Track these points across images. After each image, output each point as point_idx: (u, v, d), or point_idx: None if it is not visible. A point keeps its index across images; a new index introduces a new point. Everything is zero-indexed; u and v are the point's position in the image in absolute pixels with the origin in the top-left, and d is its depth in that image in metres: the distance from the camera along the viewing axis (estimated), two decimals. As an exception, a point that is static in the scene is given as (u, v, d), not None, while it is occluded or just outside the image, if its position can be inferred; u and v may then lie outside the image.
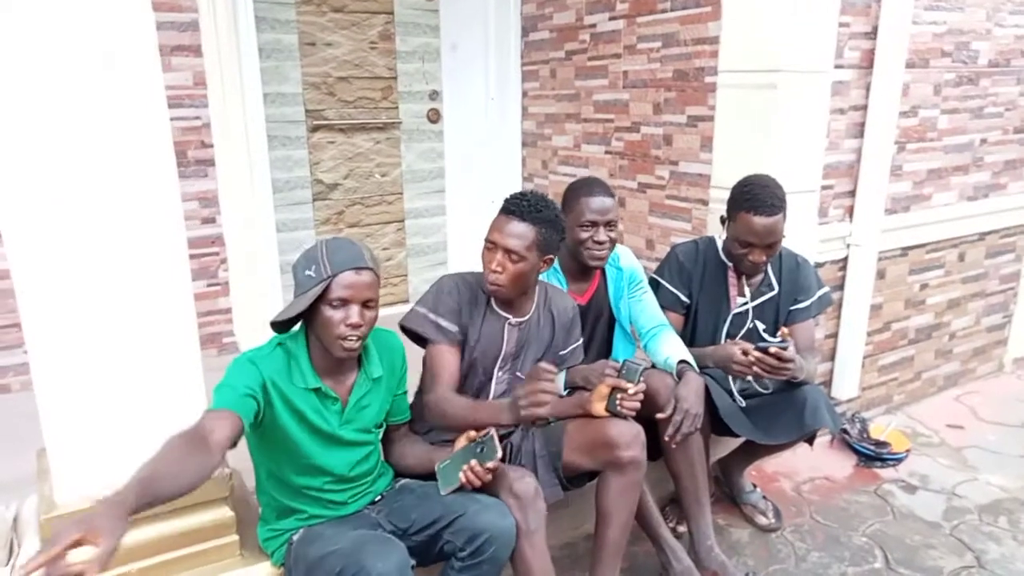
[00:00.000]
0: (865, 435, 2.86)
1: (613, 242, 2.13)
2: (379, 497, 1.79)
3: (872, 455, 2.79)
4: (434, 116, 3.83)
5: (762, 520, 2.44)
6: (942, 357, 3.34)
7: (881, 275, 2.92)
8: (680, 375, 2.06)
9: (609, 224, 2.09)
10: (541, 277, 2.09)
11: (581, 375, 2.02)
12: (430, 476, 1.74)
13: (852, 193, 2.77)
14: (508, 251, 1.79)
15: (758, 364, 2.05)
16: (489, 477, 1.62)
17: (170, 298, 1.64)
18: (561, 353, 2.06)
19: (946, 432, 3.07)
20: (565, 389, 2.10)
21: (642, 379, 1.83)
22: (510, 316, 1.94)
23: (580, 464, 1.95)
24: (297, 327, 1.64)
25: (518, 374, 1.98)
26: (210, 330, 3.23)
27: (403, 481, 1.84)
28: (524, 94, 3.73)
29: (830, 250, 2.76)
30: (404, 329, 1.91)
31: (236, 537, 1.78)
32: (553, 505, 1.93)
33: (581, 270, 2.18)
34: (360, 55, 3.56)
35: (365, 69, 3.59)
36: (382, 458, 1.84)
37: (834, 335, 2.89)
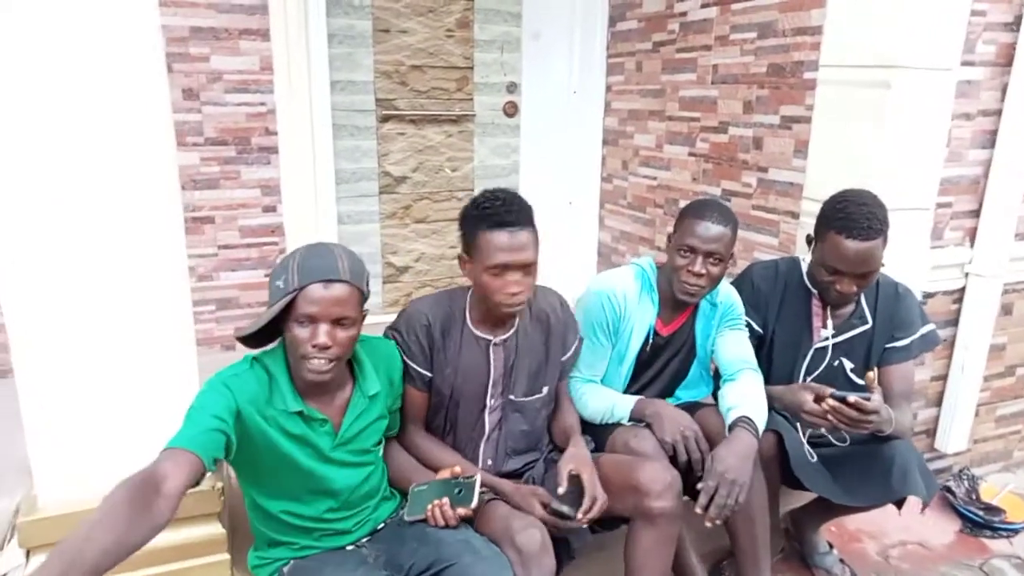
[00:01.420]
0: (974, 496, 2.45)
1: (714, 280, 1.83)
2: (381, 525, 1.62)
3: (981, 522, 2.38)
4: (511, 109, 3.62)
5: (836, 588, 2.11)
6: (1080, 410, 2.84)
7: (1007, 311, 2.48)
8: (731, 431, 1.76)
9: (712, 256, 1.79)
10: (626, 294, 1.91)
11: (655, 415, 1.83)
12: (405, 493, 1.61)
13: (975, 213, 2.36)
14: (526, 266, 1.56)
15: (834, 414, 1.73)
16: (455, 523, 1.46)
17: (160, 300, 1.53)
18: (563, 360, 1.82)
19: (1078, 501, 2.59)
20: (629, 420, 1.87)
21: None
22: (492, 335, 1.70)
23: (608, 506, 1.71)
24: (276, 342, 1.47)
25: (512, 397, 1.75)
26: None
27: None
28: (608, 88, 3.47)
29: (944, 279, 2.36)
30: None
31: (227, 556, 1.65)
32: (582, 549, 1.71)
33: (675, 297, 1.89)
34: (436, 43, 3.40)
35: (440, 58, 3.43)
36: (387, 480, 1.67)
37: (943, 377, 2.49)
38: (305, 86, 2.99)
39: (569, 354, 1.83)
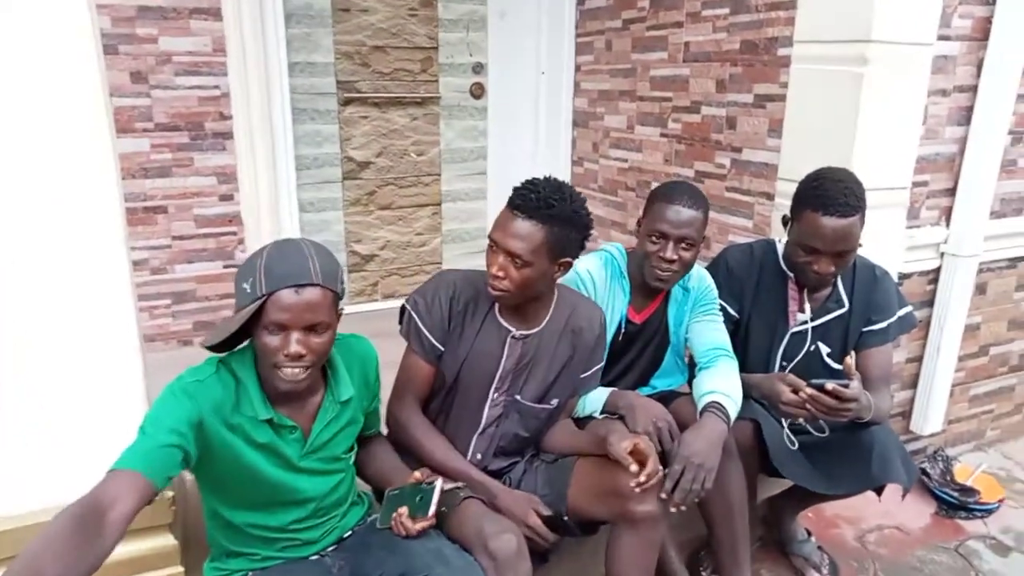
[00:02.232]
0: (948, 478, 2.43)
1: (686, 265, 1.77)
2: (348, 533, 1.53)
3: (956, 503, 2.36)
4: (478, 91, 3.52)
5: (814, 577, 2.07)
6: (1051, 388, 2.84)
7: (981, 290, 2.45)
8: (701, 416, 1.70)
9: (684, 241, 1.72)
10: (592, 279, 1.82)
11: (628, 407, 1.74)
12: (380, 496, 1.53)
13: (951, 191, 2.32)
14: (511, 254, 1.48)
15: (812, 403, 1.68)
16: (415, 533, 1.38)
17: (96, 298, 1.41)
18: (582, 376, 1.75)
19: (1051, 479, 2.60)
20: (601, 413, 1.80)
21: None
22: (514, 328, 1.63)
23: (588, 510, 1.65)
24: (244, 344, 1.36)
25: (517, 397, 1.68)
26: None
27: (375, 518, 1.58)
28: (577, 68, 3.38)
29: (919, 259, 2.32)
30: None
31: (181, 569, 1.55)
32: (557, 551, 1.65)
33: (646, 284, 1.83)
34: (398, 22, 3.28)
35: (403, 38, 3.30)
36: (355, 484, 1.58)
37: (918, 359, 2.46)
38: (261, 68, 2.86)
39: (589, 373, 1.75)
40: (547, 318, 1.66)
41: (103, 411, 1.45)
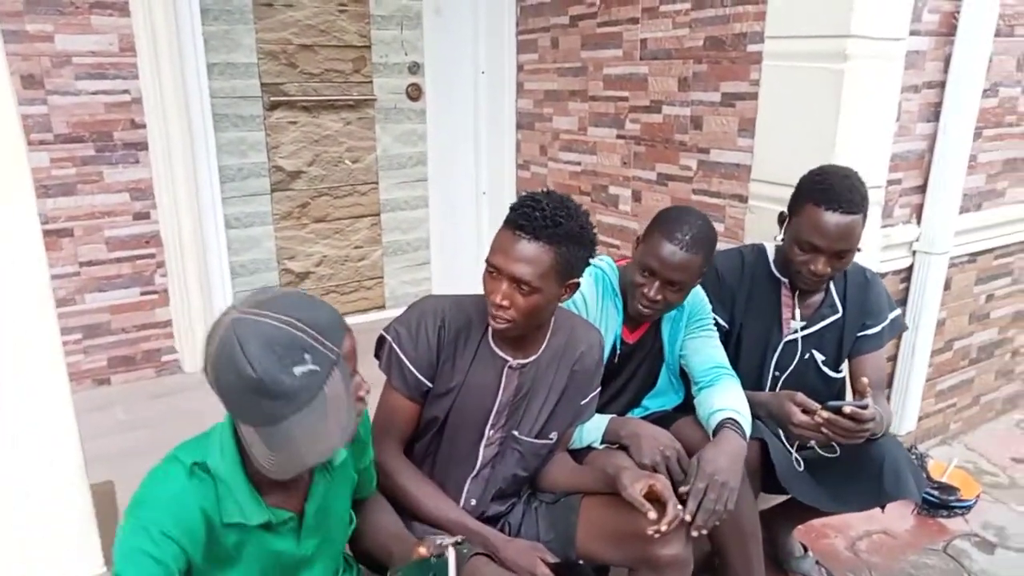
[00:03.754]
0: (926, 476, 2.41)
1: (670, 306, 1.65)
2: None
3: (937, 502, 2.34)
4: (415, 92, 3.30)
5: (817, 594, 1.99)
6: (1003, 377, 2.89)
7: (946, 285, 2.45)
8: (716, 434, 1.57)
9: (672, 284, 1.59)
10: (584, 298, 1.68)
11: (631, 436, 1.60)
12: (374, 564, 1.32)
13: (921, 188, 2.29)
14: (517, 280, 1.30)
15: (828, 427, 1.57)
16: None
17: (25, 337, 1.14)
18: (581, 404, 1.58)
19: (1014, 468, 2.63)
20: (601, 443, 1.66)
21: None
22: (511, 357, 1.45)
23: (601, 555, 1.50)
24: (215, 434, 1.08)
25: (515, 433, 1.50)
26: (146, 347, 2.72)
27: None
28: (520, 68, 3.21)
29: (893, 258, 2.28)
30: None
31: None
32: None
33: None
34: (327, 19, 3.02)
35: (333, 36, 3.05)
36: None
37: (891, 358, 2.43)
38: (176, 70, 2.55)
39: (587, 400, 1.59)
40: (544, 344, 1.49)
41: (34, 461, 1.18)
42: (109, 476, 1.69)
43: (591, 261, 1.65)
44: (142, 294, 2.68)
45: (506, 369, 1.46)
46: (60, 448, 1.23)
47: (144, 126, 2.56)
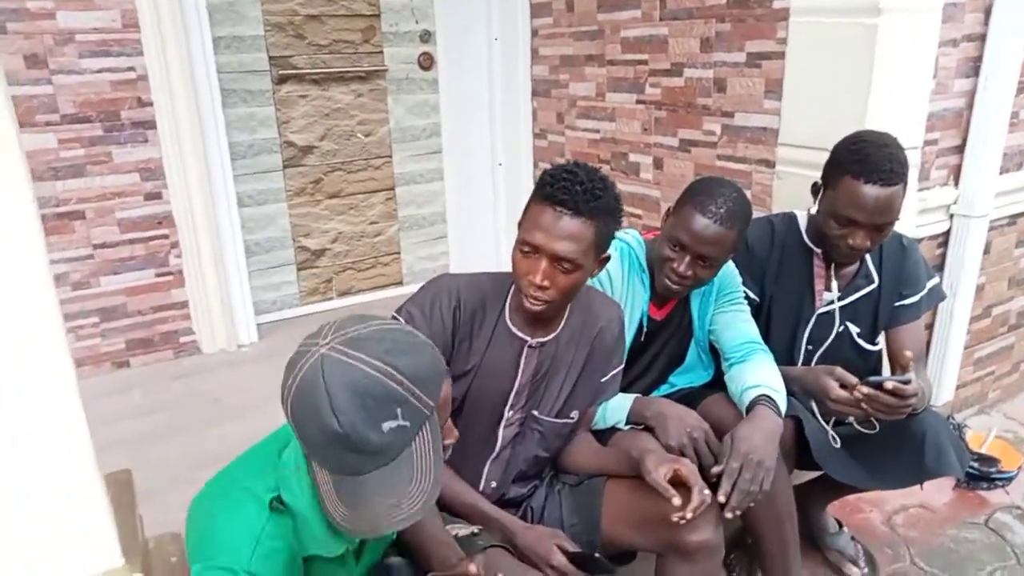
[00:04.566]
0: (965, 447, 2.33)
1: (700, 283, 1.58)
2: None
3: (977, 474, 2.26)
4: (426, 62, 3.21)
5: (853, 572, 1.92)
6: (1042, 342, 2.79)
7: (986, 249, 2.34)
8: (750, 411, 1.50)
9: (703, 259, 1.51)
10: (609, 274, 1.61)
11: (657, 416, 1.54)
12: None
13: (959, 149, 2.18)
14: (559, 258, 1.24)
15: (869, 403, 1.50)
16: None
17: (26, 326, 1.10)
18: (602, 381, 1.52)
19: (1054, 437, 2.55)
20: (626, 424, 1.60)
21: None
22: (529, 336, 1.40)
23: (627, 540, 1.45)
24: (290, 465, 0.97)
25: (534, 412, 1.45)
26: (163, 328, 2.70)
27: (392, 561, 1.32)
28: (534, 33, 3.10)
29: (929, 222, 2.18)
30: None
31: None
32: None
33: None
34: (334, -13, 2.93)
35: (340, 5, 2.96)
36: None
37: (928, 326, 2.34)
38: (182, 44, 2.49)
39: (609, 377, 1.52)
40: (563, 322, 1.43)
41: (42, 452, 1.15)
42: (127, 461, 1.66)
43: (616, 234, 1.58)
44: (157, 275, 2.65)
45: (525, 349, 1.40)
46: (69, 440, 1.20)
47: (151, 104, 2.50)
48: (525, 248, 1.26)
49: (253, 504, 0.94)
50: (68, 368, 1.13)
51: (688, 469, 1.30)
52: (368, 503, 0.85)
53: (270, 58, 2.86)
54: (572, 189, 1.21)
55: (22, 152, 1.06)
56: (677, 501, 1.26)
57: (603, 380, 1.53)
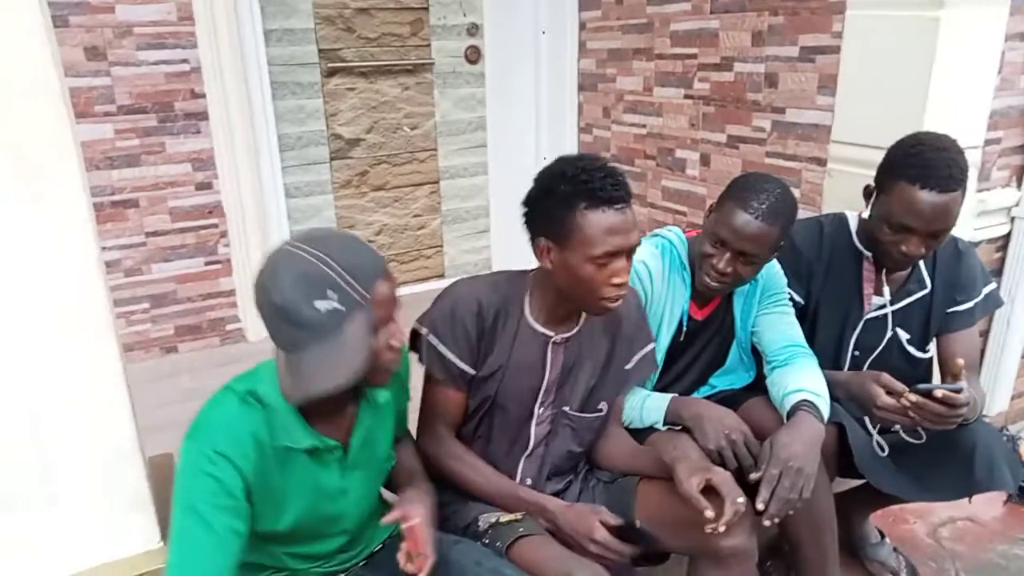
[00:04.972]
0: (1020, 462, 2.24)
1: (742, 281, 1.55)
2: (378, 547, 1.34)
3: (1030, 489, 2.17)
4: (473, 55, 3.21)
5: (896, 585, 1.87)
6: (1108, 353, 2.66)
7: (1048, 255, 2.24)
8: (791, 416, 1.46)
9: (744, 256, 1.48)
10: (649, 271, 1.61)
11: (694, 418, 1.53)
12: None
13: (1022, 148, 2.09)
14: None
15: (916, 411, 1.44)
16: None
17: (76, 310, 1.15)
18: (627, 368, 1.50)
19: (1118, 452, 2.42)
20: (664, 424, 1.58)
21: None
22: (552, 331, 1.39)
23: (662, 542, 1.42)
24: (268, 365, 1.12)
25: (565, 409, 1.44)
26: (211, 316, 2.76)
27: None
28: (582, 26, 3.07)
29: (989, 225, 2.10)
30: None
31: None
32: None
33: None
34: (384, -19, 2.95)
35: (390, -2, 2.98)
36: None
37: (983, 333, 2.25)
38: (234, 37, 2.54)
39: (634, 362, 1.51)
40: (583, 315, 1.42)
41: (86, 433, 1.20)
42: (174, 445, 1.71)
43: (658, 231, 1.55)
44: (206, 264, 2.72)
45: (550, 345, 1.40)
46: (113, 424, 1.25)
47: (204, 96, 2.56)
48: (601, 260, 1.28)
49: (228, 396, 1.09)
50: (114, 351, 1.17)
51: (720, 478, 1.28)
52: (303, 374, 1.00)
53: (320, 51, 2.90)
54: (617, 182, 1.25)
55: (78, 146, 1.10)
56: (710, 514, 1.24)
57: (627, 368, 1.51)
